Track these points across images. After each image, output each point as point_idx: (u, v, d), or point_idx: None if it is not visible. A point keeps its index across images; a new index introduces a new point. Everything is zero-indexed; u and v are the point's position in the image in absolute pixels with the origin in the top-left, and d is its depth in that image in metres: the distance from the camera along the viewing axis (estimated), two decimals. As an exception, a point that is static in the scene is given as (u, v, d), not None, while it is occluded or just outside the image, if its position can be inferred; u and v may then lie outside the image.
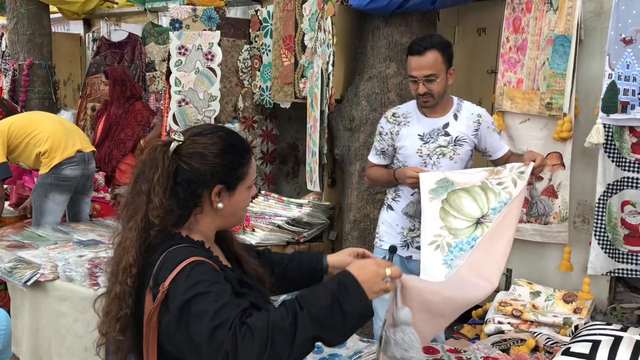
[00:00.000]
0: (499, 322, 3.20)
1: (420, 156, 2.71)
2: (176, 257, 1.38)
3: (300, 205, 3.81)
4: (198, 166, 1.46)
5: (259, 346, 1.21)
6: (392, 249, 1.58)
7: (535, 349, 2.33)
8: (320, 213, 3.85)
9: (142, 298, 1.40)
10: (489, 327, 3.24)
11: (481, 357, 2.18)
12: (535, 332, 2.46)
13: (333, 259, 1.77)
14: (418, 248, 2.72)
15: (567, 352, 1.99)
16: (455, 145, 2.69)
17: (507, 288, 3.64)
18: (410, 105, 2.83)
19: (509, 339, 2.49)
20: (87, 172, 4.11)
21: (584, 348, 1.96)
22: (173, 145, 1.45)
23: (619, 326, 2.08)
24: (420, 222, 2.61)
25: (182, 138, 1.47)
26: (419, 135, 2.73)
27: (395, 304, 1.44)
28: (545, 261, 3.57)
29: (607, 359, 1.91)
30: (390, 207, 2.86)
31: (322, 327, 1.25)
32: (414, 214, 2.70)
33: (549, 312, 3.24)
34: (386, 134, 2.81)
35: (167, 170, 1.43)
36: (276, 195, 3.94)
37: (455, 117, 2.73)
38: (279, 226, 3.60)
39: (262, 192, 4.08)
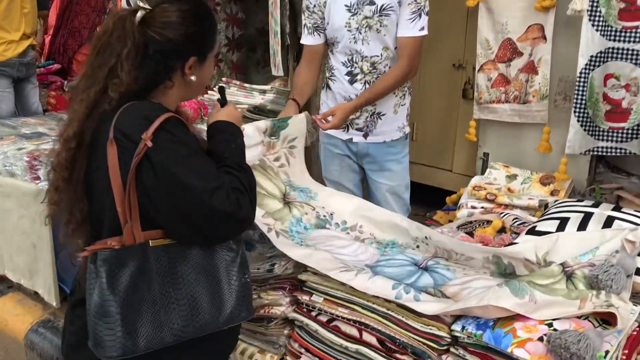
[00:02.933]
0: (472, 207, 3.06)
1: (349, 30, 2.50)
2: (145, 109, 1.38)
3: (264, 92, 3.55)
4: (173, 36, 1.41)
5: (251, 203, 1.41)
6: (221, 89, 1.72)
7: (502, 230, 2.18)
8: (285, 100, 3.59)
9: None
10: (462, 212, 3.11)
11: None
12: (502, 214, 2.30)
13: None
14: (359, 129, 2.63)
15: (532, 231, 1.83)
16: (380, 15, 2.45)
17: (482, 172, 3.49)
18: None
19: (475, 221, 2.33)
20: (24, 60, 3.97)
21: (550, 226, 1.79)
22: (140, 14, 1.39)
23: (590, 202, 1.91)
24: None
25: (149, 6, 1.39)
26: (346, 6, 2.48)
27: None
28: (523, 143, 3.39)
29: (574, 236, 1.75)
30: (327, 87, 2.71)
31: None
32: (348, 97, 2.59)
33: (525, 195, 3.09)
34: (314, 6, 2.57)
35: (137, 43, 1.38)
36: (238, 82, 3.67)
37: None
38: (240, 114, 3.36)
39: (223, 79, 3.80)
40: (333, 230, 2.10)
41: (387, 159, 2.65)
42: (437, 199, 3.88)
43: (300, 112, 2.42)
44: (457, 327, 1.55)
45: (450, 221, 3.45)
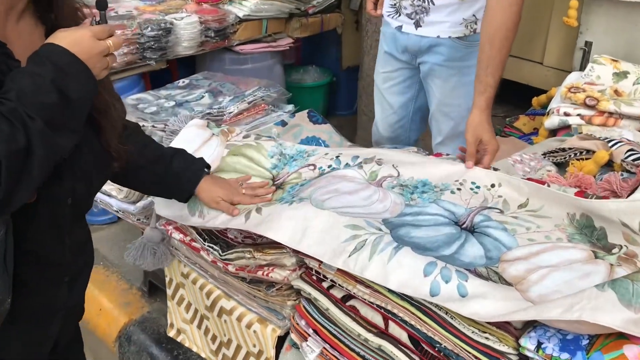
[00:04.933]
0: (566, 114, 2.39)
1: None
2: None
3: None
4: None
5: None
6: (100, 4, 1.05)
7: (608, 166, 1.53)
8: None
9: None
10: (552, 120, 2.44)
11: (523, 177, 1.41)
12: (610, 141, 1.63)
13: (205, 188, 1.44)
14: (408, 16, 1.94)
15: (660, 182, 1.19)
16: None
17: (582, 67, 2.76)
18: None
19: (569, 150, 1.67)
20: None
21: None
22: None
23: None
24: None
25: None
26: None
27: None
28: (641, 30, 2.60)
29: None
30: None
31: (55, 130, 0.91)
32: None
33: (637, 100, 2.38)
34: None
35: None
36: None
37: None
38: (275, -9, 2.71)
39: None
40: (340, 170, 1.54)
41: (441, 64, 1.94)
42: (522, 98, 3.18)
43: None
44: (528, 342, 0.99)
45: (536, 129, 2.79)
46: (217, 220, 1.44)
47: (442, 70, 1.92)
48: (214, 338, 1.66)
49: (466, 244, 1.21)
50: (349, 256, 1.20)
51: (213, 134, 1.66)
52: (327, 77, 3.54)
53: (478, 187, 1.40)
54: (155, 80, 2.77)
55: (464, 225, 1.28)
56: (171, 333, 1.82)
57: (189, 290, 1.68)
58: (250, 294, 1.48)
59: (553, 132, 2.52)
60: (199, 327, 1.71)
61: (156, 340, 2.02)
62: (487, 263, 1.16)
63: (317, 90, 3.49)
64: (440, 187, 1.40)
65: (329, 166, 1.57)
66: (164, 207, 1.54)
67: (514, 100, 3.27)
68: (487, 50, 1.57)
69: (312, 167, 1.59)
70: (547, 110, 2.58)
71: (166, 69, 2.75)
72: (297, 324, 1.38)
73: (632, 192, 1.20)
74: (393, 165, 1.48)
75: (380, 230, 1.24)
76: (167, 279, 1.76)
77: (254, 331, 1.48)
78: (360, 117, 3.17)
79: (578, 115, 2.38)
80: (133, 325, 2.12)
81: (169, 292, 1.77)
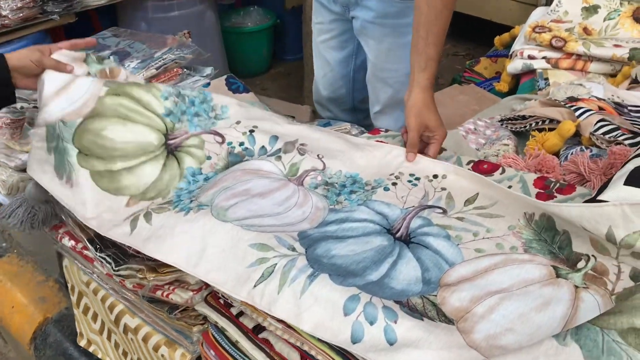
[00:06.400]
0: (530, 57, 2.16)
1: None
2: None
3: None
4: None
5: None
6: None
7: (576, 137, 1.29)
8: None
9: None
10: (515, 64, 2.21)
11: (466, 164, 1.17)
12: (578, 109, 1.37)
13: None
14: None
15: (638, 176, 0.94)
16: None
17: (548, 2, 2.49)
18: None
19: (530, 118, 1.42)
20: None
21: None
22: None
23: None
24: None
25: None
26: None
27: None
28: (615, -44, 2.32)
29: None
30: None
31: None
32: None
33: (609, 40, 2.13)
34: None
35: None
36: None
37: None
38: None
39: None
40: (254, 159, 1.27)
41: (372, 21, 1.64)
42: (485, 35, 2.89)
43: None
44: (472, 408, 0.78)
45: (498, 73, 2.54)
46: (85, 209, 1.16)
47: (374, 29, 1.63)
48: (125, 354, 1.44)
49: (399, 261, 0.98)
50: (255, 286, 0.96)
51: (88, 72, 1.35)
52: (270, 19, 3.19)
53: (417, 179, 1.16)
54: (72, 36, 2.41)
55: (398, 234, 1.04)
56: (82, 343, 1.59)
57: (92, 300, 1.44)
58: (152, 313, 1.25)
59: (516, 77, 2.30)
60: (108, 339, 1.48)
61: (74, 342, 1.79)
62: (423, 290, 0.93)
63: (260, 35, 3.15)
64: (372, 185, 1.15)
65: (241, 144, 1.30)
66: (33, 167, 1.25)
67: (476, 38, 3.00)
68: (425, 12, 1.23)
69: (219, 140, 1.32)
70: (510, 53, 2.33)
71: (84, 22, 2.40)
72: (207, 353, 1.15)
73: (600, 189, 0.95)
74: (318, 156, 1.23)
75: (293, 250, 1.00)
76: (69, 285, 1.52)
77: (162, 355, 1.25)
78: (306, 66, 2.86)
79: (543, 58, 2.14)
80: (49, 324, 1.88)
81: (73, 299, 1.53)
